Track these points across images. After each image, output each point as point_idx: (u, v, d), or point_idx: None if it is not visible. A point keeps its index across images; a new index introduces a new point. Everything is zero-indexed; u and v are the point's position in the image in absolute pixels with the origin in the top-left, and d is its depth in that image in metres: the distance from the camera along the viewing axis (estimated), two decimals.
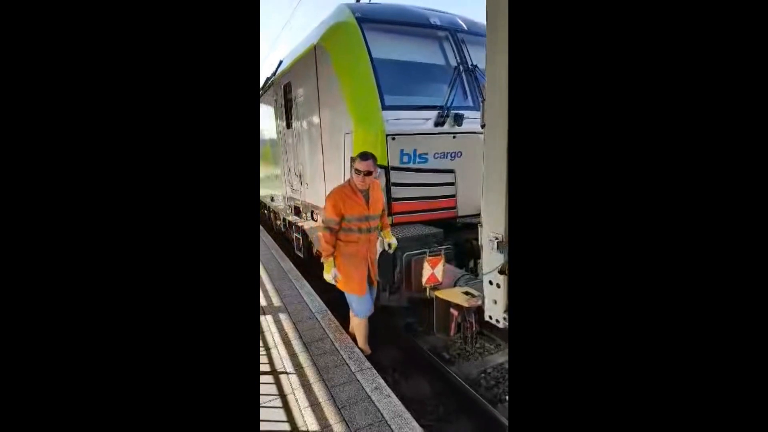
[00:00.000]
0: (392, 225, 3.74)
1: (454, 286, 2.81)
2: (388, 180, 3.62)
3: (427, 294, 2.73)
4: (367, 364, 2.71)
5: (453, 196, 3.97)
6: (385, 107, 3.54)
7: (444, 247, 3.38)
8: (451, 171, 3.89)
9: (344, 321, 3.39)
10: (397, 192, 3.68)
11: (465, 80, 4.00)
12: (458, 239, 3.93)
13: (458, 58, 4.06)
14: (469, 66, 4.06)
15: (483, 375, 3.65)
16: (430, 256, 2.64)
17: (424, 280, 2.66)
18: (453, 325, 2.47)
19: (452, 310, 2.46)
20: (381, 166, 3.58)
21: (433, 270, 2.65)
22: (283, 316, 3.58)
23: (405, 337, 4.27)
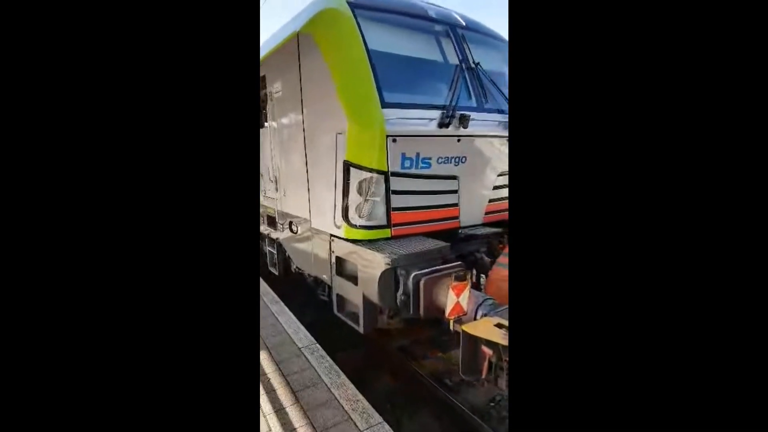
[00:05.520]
0: (391, 238, 3.27)
1: (476, 313, 2.36)
2: (387, 188, 3.14)
3: (451, 327, 2.26)
4: (378, 417, 2.18)
5: (456, 205, 3.57)
6: (384, 104, 3.08)
7: (456, 264, 2.95)
8: (454, 178, 3.49)
9: (340, 358, 2.83)
10: (397, 201, 3.21)
11: (468, 79, 3.64)
12: (461, 252, 3.54)
13: (460, 55, 3.69)
14: (472, 64, 3.70)
15: (492, 404, 3.26)
16: (455, 281, 2.18)
17: (447, 311, 2.19)
18: (485, 366, 2.02)
19: (484, 348, 2.02)
20: (380, 172, 3.10)
21: (458, 299, 2.19)
22: (262, 355, 2.94)
23: (401, 363, 3.80)
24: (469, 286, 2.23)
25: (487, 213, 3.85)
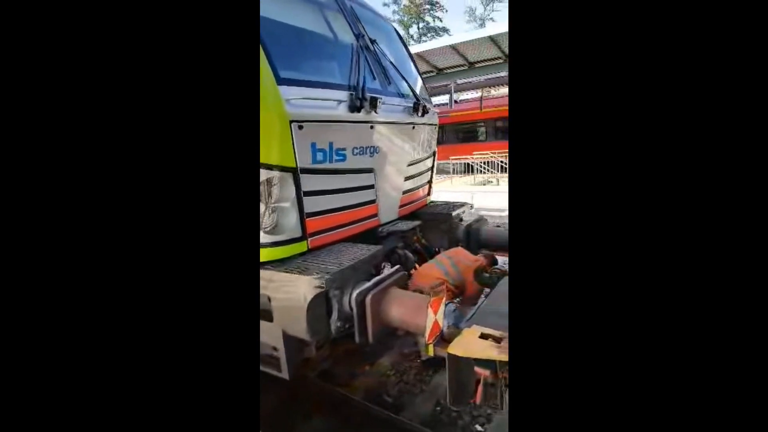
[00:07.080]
0: (308, 250, 2.60)
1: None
2: (298, 189, 2.45)
3: (431, 352, 1.80)
4: None
5: (374, 201, 3.14)
6: (280, 81, 2.35)
7: (394, 270, 2.52)
8: (370, 171, 3.04)
9: None
10: (311, 204, 2.56)
11: (368, 58, 3.20)
12: (385, 251, 3.15)
13: (355, 30, 3.22)
14: (368, 42, 3.28)
15: (438, 409, 3.02)
16: (434, 297, 1.73)
17: (427, 335, 1.73)
18: (480, 389, 1.67)
19: (477, 369, 1.66)
20: (286, 169, 2.39)
21: (436, 316, 1.76)
22: None
23: (327, 392, 3.19)
24: (444, 301, 1.83)
25: (401, 206, 3.56)
